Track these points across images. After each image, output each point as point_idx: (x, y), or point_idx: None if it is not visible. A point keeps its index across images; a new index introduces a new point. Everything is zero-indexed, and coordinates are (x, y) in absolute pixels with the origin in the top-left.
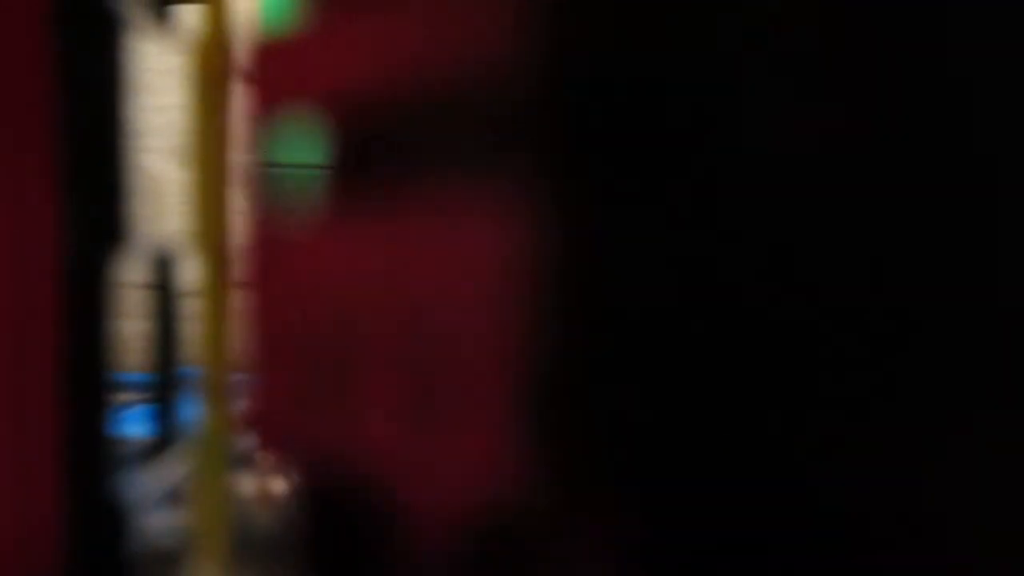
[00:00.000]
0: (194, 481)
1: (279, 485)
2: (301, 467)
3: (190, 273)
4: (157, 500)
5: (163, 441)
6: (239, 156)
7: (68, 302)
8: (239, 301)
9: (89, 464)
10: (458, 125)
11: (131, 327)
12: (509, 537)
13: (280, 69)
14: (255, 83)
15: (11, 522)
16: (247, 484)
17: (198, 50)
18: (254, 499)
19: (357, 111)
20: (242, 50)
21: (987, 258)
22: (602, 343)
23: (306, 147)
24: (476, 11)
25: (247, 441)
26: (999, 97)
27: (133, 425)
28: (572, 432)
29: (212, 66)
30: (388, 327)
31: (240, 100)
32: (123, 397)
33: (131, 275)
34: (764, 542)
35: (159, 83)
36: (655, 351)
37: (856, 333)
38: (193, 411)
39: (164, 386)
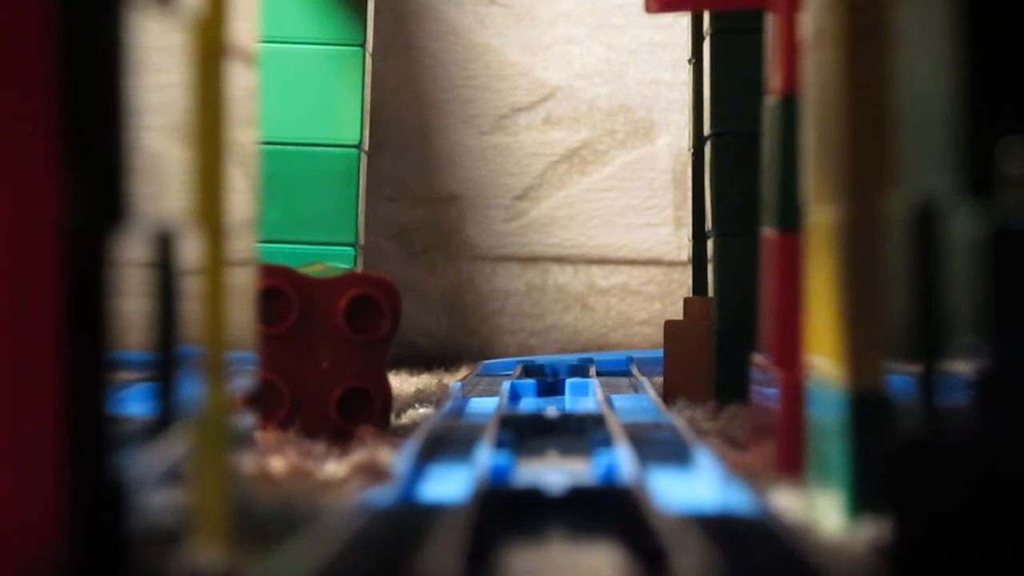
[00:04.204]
0: (194, 460)
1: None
2: None
3: (190, 252)
4: (157, 479)
5: (163, 420)
6: (239, 134)
7: (68, 280)
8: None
9: (89, 443)
10: None
11: (131, 306)
12: None
13: None
14: None
15: (10, 500)
16: (247, 462)
17: (199, 28)
18: (254, 477)
19: None
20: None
21: None
22: None
23: None
24: None
25: (247, 419)
26: None
27: (133, 404)
28: None
29: (212, 44)
30: None
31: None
32: (123, 376)
33: (131, 254)
34: None
35: (160, 61)
36: None
37: None
38: (193, 390)
39: (164, 365)
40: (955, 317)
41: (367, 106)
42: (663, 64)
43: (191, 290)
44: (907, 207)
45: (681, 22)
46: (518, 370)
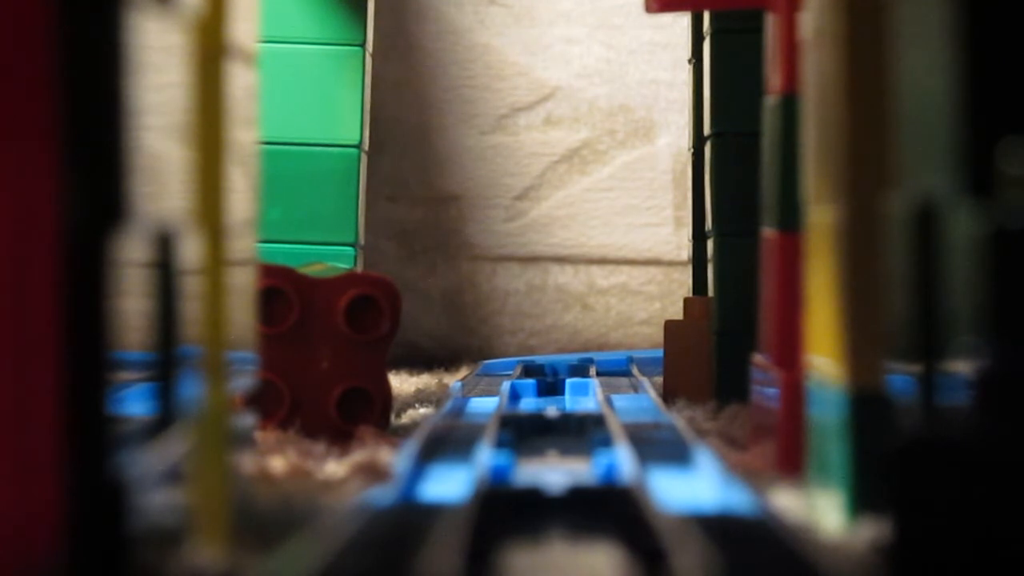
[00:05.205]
0: (194, 460)
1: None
2: None
3: (190, 252)
4: (157, 479)
5: (163, 420)
6: (239, 134)
7: (68, 280)
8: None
9: (89, 443)
10: None
11: (131, 306)
12: None
13: None
14: None
15: (10, 501)
16: (247, 462)
17: (198, 27)
18: (254, 477)
19: None
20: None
21: None
22: None
23: None
24: None
25: (247, 419)
26: None
27: (133, 404)
28: None
29: (212, 44)
30: None
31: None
32: (123, 376)
33: (131, 254)
34: None
35: (160, 61)
36: None
37: None
38: (193, 390)
39: (164, 365)
40: (955, 317)
41: (367, 106)
42: (663, 64)
43: (191, 290)
44: (907, 207)
45: (681, 22)
46: (518, 370)
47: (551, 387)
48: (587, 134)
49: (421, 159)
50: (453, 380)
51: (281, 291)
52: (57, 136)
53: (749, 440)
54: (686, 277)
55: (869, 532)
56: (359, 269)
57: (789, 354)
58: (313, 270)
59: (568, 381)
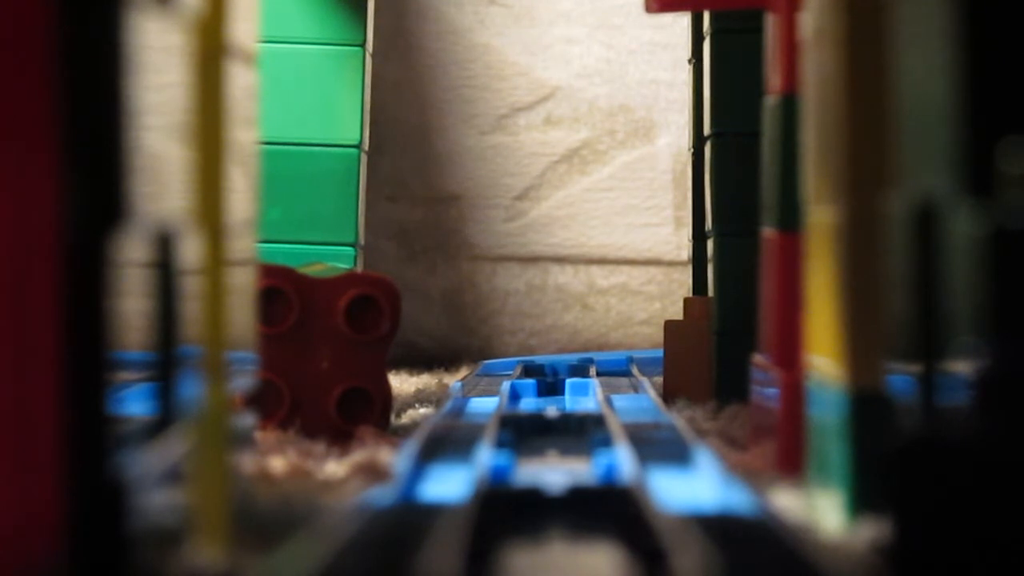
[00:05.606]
0: (194, 460)
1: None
2: None
3: (190, 252)
4: (157, 479)
5: (163, 420)
6: (239, 134)
7: (68, 281)
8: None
9: (89, 443)
10: None
11: (131, 306)
12: None
13: None
14: None
15: (11, 501)
16: (247, 462)
17: (198, 27)
18: (254, 477)
19: None
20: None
21: None
22: None
23: None
24: None
25: (247, 419)
26: None
27: (133, 404)
28: None
29: (212, 44)
30: None
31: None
32: (123, 376)
33: (131, 254)
34: None
35: (160, 61)
36: None
37: None
38: (193, 390)
39: (164, 365)
40: (955, 317)
41: (367, 106)
42: (663, 64)
43: (191, 290)
44: (907, 207)
45: (681, 22)
46: (518, 370)
47: (551, 387)
48: (587, 134)
49: (421, 159)
50: (453, 380)
51: (281, 291)
52: (57, 136)
53: (749, 440)
54: (686, 277)
55: (869, 532)
56: (359, 269)
57: (789, 354)
58: (313, 270)
59: (568, 381)
